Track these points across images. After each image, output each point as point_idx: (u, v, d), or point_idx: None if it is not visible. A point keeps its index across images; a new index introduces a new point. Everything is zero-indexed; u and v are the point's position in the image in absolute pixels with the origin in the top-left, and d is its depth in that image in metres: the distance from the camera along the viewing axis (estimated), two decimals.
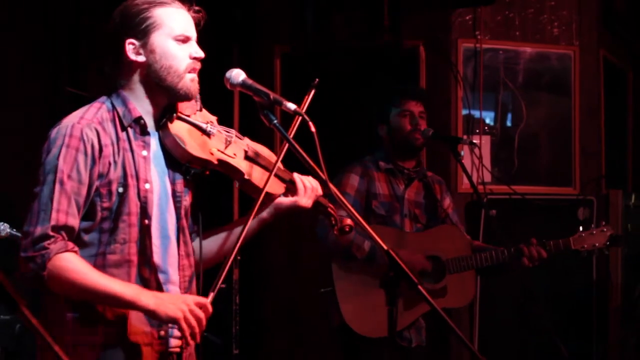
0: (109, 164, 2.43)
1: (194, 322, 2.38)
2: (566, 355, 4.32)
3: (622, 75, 6.38)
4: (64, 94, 4.58)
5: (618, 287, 5.63)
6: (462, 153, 4.37)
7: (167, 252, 2.53)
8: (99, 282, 2.35)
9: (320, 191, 2.78)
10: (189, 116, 2.58)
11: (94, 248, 2.43)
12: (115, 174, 2.43)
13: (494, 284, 5.09)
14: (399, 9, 5.15)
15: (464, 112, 5.44)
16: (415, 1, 5.39)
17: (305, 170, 2.65)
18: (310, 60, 5.45)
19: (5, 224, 3.40)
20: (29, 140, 4.40)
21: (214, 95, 2.85)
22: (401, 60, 5.48)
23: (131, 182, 2.45)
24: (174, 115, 2.55)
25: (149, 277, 2.48)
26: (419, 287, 2.45)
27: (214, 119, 2.66)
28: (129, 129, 2.49)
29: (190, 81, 2.52)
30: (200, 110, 2.62)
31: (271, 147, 2.80)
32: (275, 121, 2.56)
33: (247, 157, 2.69)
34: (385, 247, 2.48)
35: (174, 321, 2.38)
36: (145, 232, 2.47)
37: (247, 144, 2.72)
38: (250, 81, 2.60)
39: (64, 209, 2.36)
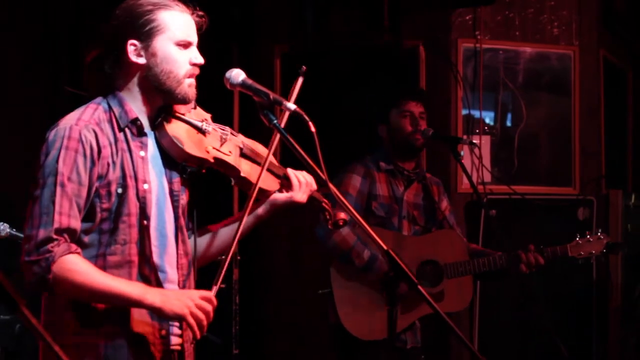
0: (108, 165, 2.43)
1: (201, 316, 2.40)
2: (566, 355, 4.31)
3: (622, 75, 6.38)
4: (64, 94, 4.58)
5: (618, 287, 5.63)
6: (462, 153, 4.37)
7: (165, 251, 2.53)
8: (105, 282, 2.35)
9: (314, 186, 2.79)
10: (184, 115, 2.58)
11: (94, 249, 2.43)
12: (114, 175, 2.43)
13: (494, 284, 5.09)
14: (399, 9, 5.15)
15: (464, 112, 5.44)
16: (415, 1, 5.39)
17: (301, 166, 2.65)
18: (309, 60, 5.43)
19: (5, 224, 3.40)
20: (29, 140, 4.40)
21: (214, 95, 2.85)
22: (401, 60, 5.48)
23: (130, 182, 2.45)
24: (170, 114, 2.56)
25: (149, 276, 2.48)
26: (419, 287, 2.45)
27: (207, 116, 2.67)
28: (125, 129, 2.49)
29: (188, 86, 2.53)
30: (195, 108, 2.62)
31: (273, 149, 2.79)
32: (275, 121, 2.56)
33: (242, 154, 2.70)
34: (385, 247, 2.48)
35: (181, 317, 2.39)
36: (144, 233, 2.47)
37: (242, 141, 2.72)
38: (250, 81, 2.60)
39: (66, 212, 2.36)
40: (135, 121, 2.50)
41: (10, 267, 3.80)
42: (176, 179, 2.58)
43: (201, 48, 2.58)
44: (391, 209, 4.19)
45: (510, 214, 5.25)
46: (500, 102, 5.58)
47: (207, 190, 3.56)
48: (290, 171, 2.77)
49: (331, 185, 2.51)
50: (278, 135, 2.64)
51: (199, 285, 2.63)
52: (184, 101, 2.54)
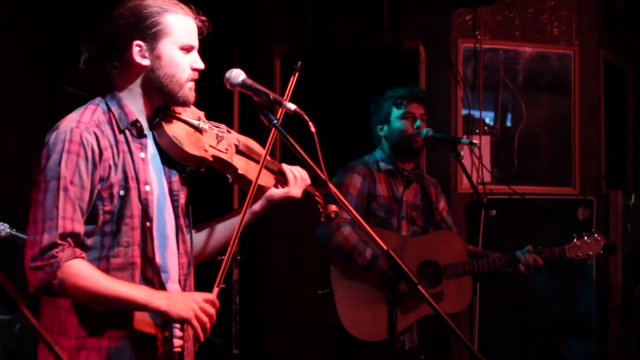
0: (110, 167, 2.42)
1: (205, 319, 2.42)
2: (566, 355, 4.32)
3: (622, 75, 6.39)
4: (64, 94, 4.57)
5: (618, 287, 5.63)
6: (462, 153, 4.37)
7: (166, 251, 2.54)
8: (110, 286, 2.36)
9: (308, 180, 2.80)
10: (179, 114, 2.59)
11: (96, 251, 2.43)
12: (116, 177, 2.43)
13: (494, 284, 5.09)
14: (399, 9, 5.14)
15: (464, 112, 5.44)
16: (415, 1, 5.39)
17: (296, 163, 2.66)
18: (310, 61, 5.44)
19: (5, 224, 3.40)
20: (29, 140, 4.40)
21: (214, 95, 2.85)
22: (401, 60, 5.48)
23: (132, 184, 2.45)
24: (169, 114, 2.56)
25: (152, 277, 2.48)
26: (419, 287, 2.45)
27: (201, 114, 2.67)
28: (125, 131, 2.48)
29: (188, 90, 2.54)
30: (194, 101, 2.62)
31: (271, 147, 2.79)
32: (275, 121, 2.57)
33: (238, 152, 2.70)
34: (385, 247, 2.48)
35: (186, 321, 2.41)
36: (147, 234, 2.47)
37: (237, 137, 2.73)
38: (250, 81, 2.60)
39: (70, 216, 2.35)
40: (135, 123, 2.49)
41: (10, 267, 3.81)
42: (175, 178, 2.58)
43: (202, 48, 2.58)
44: (391, 209, 4.19)
45: (510, 214, 5.25)
46: (500, 102, 5.58)
47: (206, 187, 3.55)
48: (285, 166, 2.79)
49: (331, 185, 2.51)
50: (275, 132, 2.64)
51: (197, 285, 2.64)
52: (184, 104, 2.56)
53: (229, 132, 2.71)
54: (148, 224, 2.47)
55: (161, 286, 2.49)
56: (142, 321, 2.45)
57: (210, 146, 2.61)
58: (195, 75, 2.55)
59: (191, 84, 2.55)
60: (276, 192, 2.77)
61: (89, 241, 2.42)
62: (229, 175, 2.69)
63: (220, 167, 2.66)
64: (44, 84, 4.65)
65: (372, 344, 4.00)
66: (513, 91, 5.57)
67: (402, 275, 2.46)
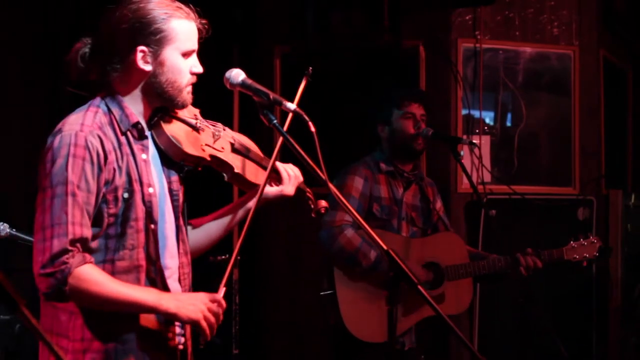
0: (114, 170, 2.42)
1: (213, 320, 2.44)
2: (566, 355, 4.32)
3: (622, 75, 6.39)
4: (64, 94, 4.58)
5: (618, 287, 5.64)
6: (462, 153, 4.36)
7: (167, 251, 2.54)
8: (120, 291, 2.36)
9: (301, 178, 2.83)
10: (177, 113, 2.59)
11: (101, 254, 2.42)
12: (120, 180, 2.43)
13: (494, 285, 5.09)
14: (399, 9, 5.14)
15: (464, 112, 5.44)
16: (415, 1, 5.39)
17: (290, 160, 2.67)
18: (310, 61, 5.44)
19: (5, 224, 3.40)
20: (29, 140, 4.40)
21: (214, 95, 2.85)
22: (401, 60, 5.47)
23: (136, 187, 2.45)
24: (167, 114, 2.56)
25: (156, 278, 2.49)
26: (419, 287, 2.45)
27: (197, 111, 2.67)
28: (127, 133, 2.48)
29: (187, 94, 2.55)
30: (190, 104, 2.62)
31: (271, 147, 2.80)
32: (275, 121, 2.56)
33: (233, 150, 2.71)
34: (385, 247, 2.48)
35: (195, 322, 2.42)
36: (151, 236, 2.48)
37: (233, 136, 2.74)
38: (249, 81, 2.60)
39: (78, 221, 2.35)
40: (136, 125, 2.49)
41: (10, 267, 3.81)
42: (174, 177, 2.59)
43: (202, 48, 2.58)
44: (391, 210, 4.19)
45: (510, 214, 5.25)
46: (500, 102, 5.58)
47: (206, 186, 3.56)
48: (279, 165, 2.79)
49: (331, 185, 2.51)
50: (282, 139, 2.64)
51: (196, 284, 2.64)
52: (182, 107, 2.57)
53: (225, 130, 2.72)
54: (152, 226, 2.47)
55: (164, 286, 2.50)
56: (148, 321, 2.46)
57: (207, 145, 2.61)
58: (194, 79, 2.55)
59: (189, 88, 2.55)
60: (271, 190, 2.78)
61: (93, 244, 2.41)
62: (225, 174, 2.69)
63: (217, 166, 2.67)
64: (44, 84, 4.65)
65: (374, 345, 4.00)
66: (513, 91, 5.57)
67: (402, 275, 2.46)
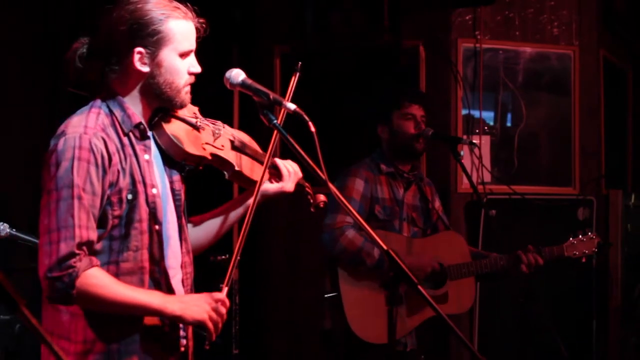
0: (118, 172, 2.42)
1: (218, 319, 2.47)
2: (566, 355, 4.32)
3: (622, 75, 6.39)
4: (64, 94, 4.57)
5: (618, 287, 5.64)
6: (462, 153, 4.37)
7: (170, 251, 2.54)
8: (126, 294, 2.36)
9: (300, 174, 2.83)
10: (177, 113, 2.58)
11: (105, 256, 2.42)
12: (124, 182, 2.43)
13: (494, 284, 5.09)
14: (399, 9, 5.14)
15: (464, 112, 5.44)
16: (415, 1, 5.38)
17: (289, 157, 2.67)
18: (310, 60, 5.45)
19: (5, 224, 3.40)
20: (29, 140, 4.40)
21: (214, 95, 2.85)
22: (401, 60, 5.47)
23: (140, 188, 2.45)
24: (167, 114, 2.56)
25: (160, 279, 2.49)
26: (419, 287, 2.45)
27: (195, 109, 2.67)
28: (130, 134, 2.48)
29: (185, 94, 2.54)
30: (189, 104, 2.62)
31: (266, 147, 2.80)
32: (275, 121, 2.56)
33: (233, 147, 2.71)
34: (385, 247, 2.48)
35: (201, 323, 2.44)
36: (155, 238, 2.47)
37: (232, 133, 2.74)
38: (249, 81, 2.60)
39: (85, 224, 2.34)
40: (139, 125, 2.49)
41: (10, 267, 3.81)
42: (176, 177, 2.59)
43: (202, 48, 2.58)
44: (393, 211, 4.19)
45: (510, 214, 5.25)
46: (500, 102, 5.58)
47: (205, 184, 3.56)
48: (278, 161, 2.80)
49: (331, 185, 2.51)
50: (277, 134, 2.65)
51: (196, 284, 2.64)
52: (181, 107, 2.56)
53: (224, 128, 2.72)
54: (157, 227, 2.47)
55: (168, 287, 2.50)
56: (152, 324, 2.46)
57: (208, 144, 2.61)
58: (192, 79, 2.55)
59: (187, 88, 2.54)
60: (270, 187, 2.79)
61: (97, 245, 2.41)
62: (225, 172, 2.69)
63: (217, 164, 2.67)
64: (44, 84, 4.64)
65: (377, 346, 3.99)
66: (513, 91, 5.57)
67: (402, 275, 2.46)
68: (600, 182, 5.75)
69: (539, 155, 5.64)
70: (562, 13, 5.62)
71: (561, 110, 5.64)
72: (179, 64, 2.50)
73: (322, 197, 2.88)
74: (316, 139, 2.45)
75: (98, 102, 2.50)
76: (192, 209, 2.69)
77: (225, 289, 2.51)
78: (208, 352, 2.54)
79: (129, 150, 2.46)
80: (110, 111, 2.48)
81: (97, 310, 2.38)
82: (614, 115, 6.12)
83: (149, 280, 2.46)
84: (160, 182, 2.53)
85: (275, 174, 2.80)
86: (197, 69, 2.54)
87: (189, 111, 2.63)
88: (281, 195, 2.80)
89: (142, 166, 2.47)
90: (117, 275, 2.40)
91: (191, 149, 2.54)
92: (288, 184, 2.80)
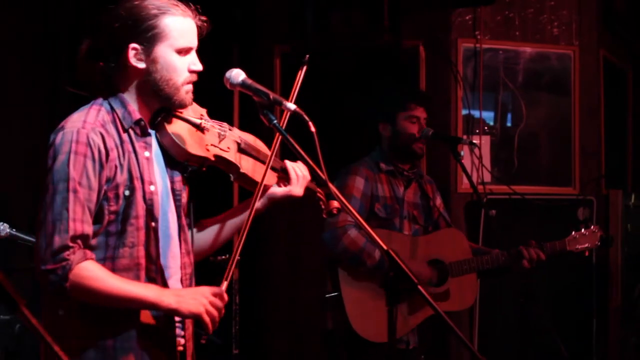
0: (116, 167, 2.42)
1: (215, 313, 2.44)
2: (566, 355, 4.32)
3: (622, 75, 6.39)
4: (64, 94, 4.58)
5: (618, 287, 5.64)
6: (462, 153, 4.37)
7: (170, 251, 2.54)
8: (121, 287, 2.36)
9: (309, 177, 2.80)
10: (181, 113, 2.58)
11: (101, 252, 2.42)
12: (121, 177, 2.43)
13: (494, 284, 5.09)
14: (399, 9, 5.14)
15: (464, 112, 5.44)
16: (415, 1, 5.39)
17: (297, 159, 2.66)
18: (310, 60, 5.44)
19: (5, 224, 3.40)
20: (29, 140, 4.40)
21: (214, 95, 2.85)
22: (401, 60, 5.47)
23: (137, 184, 2.45)
24: (170, 113, 2.55)
25: (156, 277, 2.48)
26: (419, 287, 2.45)
27: (203, 111, 2.66)
28: (130, 130, 2.48)
29: (185, 93, 2.52)
30: (190, 104, 2.61)
31: (271, 147, 2.79)
32: (275, 121, 2.56)
33: (240, 150, 2.70)
34: (385, 248, 2.48)
35: (197, 316, 2.42)
36: (151, 234, 2.47)
37: (239, 135, 2.72)
38: (250, 81, 2.60)
39: (79, 218, 2.35)
40: (139, 121, 2.49)
41: (10, 267, 3.81)
42: (178, 177, 2.58)
43: (202, 48, 2.57)
44: (393, 209, 4.19)
45: (510, 214, 5.25)
46: (500, 102, 5.58)
47: (207, 186, 3.56)
48: (288, 164, 2.77)
49: (331, 185, 2.51)
50: (279, 134, 2.64)
51: (197, 284, 2.64)
52: (180, 107, 2.54)
53: (231, 130, 2.71)
54: (153, 224, 2.47)
55: (164, 286, 2.49)
56: (147, 319, 2.45)
57: (212, 145, 2.60)
58: (193, 77, 2.54)
59: (188, 87, 2.53)
60: (278, 190, 2.76)
61: (93, 241, 2.41)
62: (231, 174, 2.68)
63: (222, 166, 2.66)
64: (44, 84, 4.65)
65: (378, 345, 3.99)
66: (513, 91, 5.57)
67: (402, 275, 2.46)
68: (600, 182, 5.75)
69: (539, 155, 5.64)
70: (562, 13, 5.62)
71: (561, 110, 5.64)
72: (176, 61, 2.49)
73: (335, 204, 2.82)
74: (316, 139, 2.45)
75: (100, 100, 2.51)
76: (198, 211, 2.68)
77: (225, 284, 2.50)
78: (208, 352, 2.54)
79: (128, 146, 2.46)
80: (112, 108, 2.49)
81: (92, 302, 2.38)
82: (614, 115, 6.12)
83: (145, 278, 2.46)
84: (161, 181, 2.53)
85: (284, 178, 2.78)
86: (198, 66, 2.53)
87: (196, 113, 2.62)
88: (289, 199, 2.77)
89: (141, 163, 2.47)
90: (113, 271, 2.40)
91: (194, 149, 2.53)
92: (296, 188, 2.76)
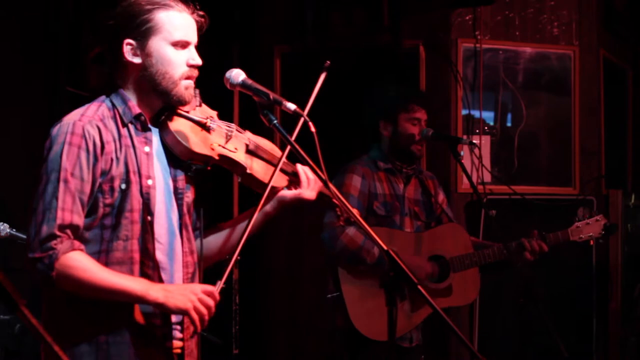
0: (111, 160, 2.43)
1: (204, 311, 2.40)
2: (566, 355, 4.32)
3: (622, 75, 6.39)
4: (64, 94, 4.58)
5: (618, 287, 5.63)
6: (462, 153, 4.37)
7: (172, 249, 2.53)
8: (108, 278, 2.35)
9: (320, 182, 2.77)
10: (187, 112, 2.58)
11: (96, 245, 2.42)
12: (117, 171, 2.43)
13: (494, 284, 5.09)
14: (399, 9, 5.15)
15: (464, 112, 5.44)
16: (415, 1, 5.39)
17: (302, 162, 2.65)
18: (309, 60, 5.45)
19: (5, 224, 3.40)
20: (29, 140, 4.40)
21: (214, 95, 2.85)
22: (401, 60, 5.47)
23: (133, 178, 2.45)
24: (174, 112, 2.55)
25: (152, 274, 2.47)
26: (419, 287, 2.45)
27: (214, 114, 2.66)
28: (129, 125, 2.48)
29: (184, 88, 2.52)
30: (200, 105, 2.61)
31: (273, 147, 2.79)
32: (275, 121, 2.56)
33: (248, 151, 2.68)
34: (385, 247, 2.48)
35: (184, 312, 2.40)
36: (147, 229, 2.47)
37: (249, 137, 2.71)
38: (250, 81, 2.60)
39: (69, 208, 2.35)
40: (139, 116, 2.50)
41: (10, 267, 3.81)
42: (181, 176, 2.57)
43: (202, 48, 2.57)
44: (393, 207, 4.19)
45: (510, 214, 5.25)
46: (500, 102, 5.58)
47: (213, 188, 3.56)
48: (299, 167, 2.74)
49: (331, 185, 2.51)
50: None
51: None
52: (179, 103, 2.53)
53: (240, 132, 2.69)
54: (149, 217, 2.46)
55: (159, 282, 2.48)
56: (142, 319, 2.44)
57: (219, 145, 2.60)
58: (193, 72, 2.53)
59: (187, 82, 2.52)
60: (288, 193, 2.72)
61: (87, 234, 2.42)
62: (238, 175, 2.67)
63: (228, 166, 2.65)
64: (44, 84, 4.64)
65: (380, 342, 3.99)
66: (513, 91, 5.57)
67: (402, 275, 2.46)
68: (600, 182, 5.75)
69: (539, 155, 5.64)
70: (562, 13, 5.62)
71: (561, 110, 5.64)
72: (172, 54, 2.49)
73: (354, 211, 2.82)
74: (316, 139, 2.45)
75: (102, 97, 2.53)
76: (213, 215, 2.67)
77: (219, 284, 2.48)
78: (208, 352, 2.54)
79: (126, 140, 2.46)
80: (113, 104, 2.50)
81: (79, 293, 2.37)
82: (614, 115, 6.12)
83: (139, 273, 2.45)
84: (162, 177, 2.53)
85: (295, 181, 2.74)
86: (197, 60, 2.53)
87: (205, 114, 2.62)
88: (300, 202, 2.72)
89: (139, 157, 2.47)
90: (106, 264, 2.40)
91: (197, 147, 2.53)
92: (306, 192, 2.72)
